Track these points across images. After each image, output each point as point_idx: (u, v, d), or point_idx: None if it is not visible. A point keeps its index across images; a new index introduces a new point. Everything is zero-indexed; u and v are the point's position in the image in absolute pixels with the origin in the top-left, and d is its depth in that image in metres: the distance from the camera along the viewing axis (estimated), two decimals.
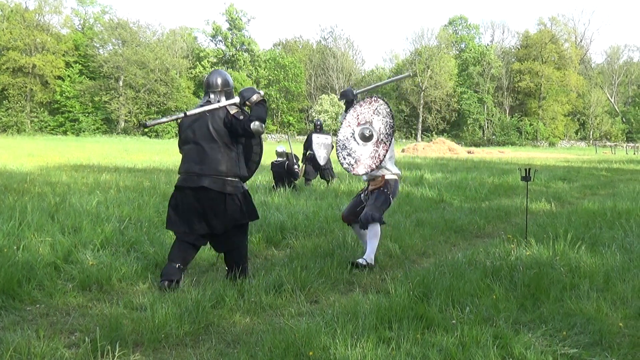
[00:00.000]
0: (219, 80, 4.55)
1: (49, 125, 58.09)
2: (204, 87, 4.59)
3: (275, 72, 66.87)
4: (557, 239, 5.79)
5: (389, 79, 6.75)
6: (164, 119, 4.58)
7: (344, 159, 5.39)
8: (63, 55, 59.45)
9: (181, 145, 4.61)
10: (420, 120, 68.38)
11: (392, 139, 5.30)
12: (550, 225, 6.88)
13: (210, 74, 4.65)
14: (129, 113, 60.22)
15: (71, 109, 58.29)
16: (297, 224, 6.80)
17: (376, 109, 5.39)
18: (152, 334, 3.40)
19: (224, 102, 4.46)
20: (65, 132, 56.89)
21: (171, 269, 4.36)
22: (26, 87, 57.54)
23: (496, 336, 3.38)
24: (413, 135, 68.28)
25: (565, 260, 5.10)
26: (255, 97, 4.48)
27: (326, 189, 11.20)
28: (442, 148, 35.44)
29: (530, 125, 68.03)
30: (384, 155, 5.27)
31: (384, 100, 5.44)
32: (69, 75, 59.01)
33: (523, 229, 6.42)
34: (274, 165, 11.37)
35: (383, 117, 5.34)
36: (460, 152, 35.45)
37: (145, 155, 24.64)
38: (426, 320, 3.62)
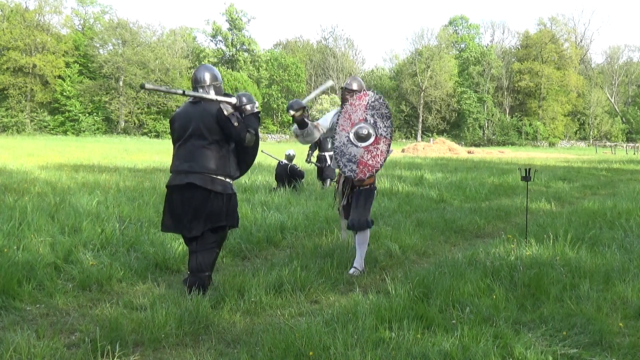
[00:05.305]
0: (207, 75, 4.44)
1: (49, 125, 58.07)
2: (192, 83, 4.48)
3: (278, 72, 66.87)
4: (557, 239, 5.79)
5: (317, 90, 6.29)
6: (163, 88, 4.41)
7: (345, 165, 4.98)
8: (63, 55, 59.46)
9: (174, 143, 4.49)
10: (421, 120, 68.37)
11: (391, 131, 4.95)
12: (550, 225, 6.87)
13: (198, 69, 4.53)
14: (130, 113, 60.27)
15: (71, 109, 58.31)
16: (297, 224, 6.80)
17: (368, 103, 5.00)
18: (152, 334, 3.40)
19: (221, 97, 4.35)
20: (65, 132, 56.92)
21: (197, 278, 4.23)
22: (26, 87, 57.55)
23: (496, 336, 3.38)
24: (413, 135, 68.26)
25: (565, 260, 5.09)
26: (250, 107, 4.37)
27: (325, 189, 11.18)
28: (442, 148, 35.45)
29: (530, 125, 68.02)
30: (387, 151, 4.91)
31: (374, 92, 5.07)
32: (69, 75, 59.01)
33: (523, 229, 6.41)
34: (278, 167, 11.32)
35: (377, 110, 4.96)
36: (460, 152, 35.45)
37: (145, 155, 24.62)
38: (426, 320, 3.62)
